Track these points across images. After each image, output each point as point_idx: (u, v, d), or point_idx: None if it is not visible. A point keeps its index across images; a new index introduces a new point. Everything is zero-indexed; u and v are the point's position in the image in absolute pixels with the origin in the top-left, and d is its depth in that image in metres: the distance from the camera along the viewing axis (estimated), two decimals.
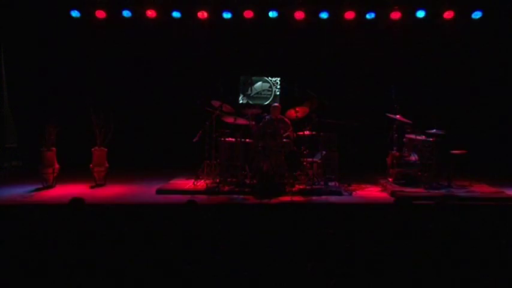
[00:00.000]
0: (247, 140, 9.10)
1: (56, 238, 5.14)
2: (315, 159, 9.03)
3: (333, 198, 8.42)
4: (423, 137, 9.05)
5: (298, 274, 4.42)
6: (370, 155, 10.21)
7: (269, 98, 11.39)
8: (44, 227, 5.64)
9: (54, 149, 9.18)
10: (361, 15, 10.80)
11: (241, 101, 11.28)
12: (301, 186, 8.78)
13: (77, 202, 5.93)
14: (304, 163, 8.98)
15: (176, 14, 10.87)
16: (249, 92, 11.33)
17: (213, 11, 10.87)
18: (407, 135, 9.30)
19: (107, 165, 9.44)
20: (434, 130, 8.98)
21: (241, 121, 9.14)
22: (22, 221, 5.76)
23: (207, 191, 8.63)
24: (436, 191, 8.63)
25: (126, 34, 11.09)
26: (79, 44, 11.06)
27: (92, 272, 4.45)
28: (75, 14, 10.81)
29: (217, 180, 8.93)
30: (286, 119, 9.49)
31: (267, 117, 9.44)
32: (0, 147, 11.24)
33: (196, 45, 11.17)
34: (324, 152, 9.14)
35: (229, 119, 9.11)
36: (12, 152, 11.39)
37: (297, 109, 9.30)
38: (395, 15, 10.77)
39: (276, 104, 9.67)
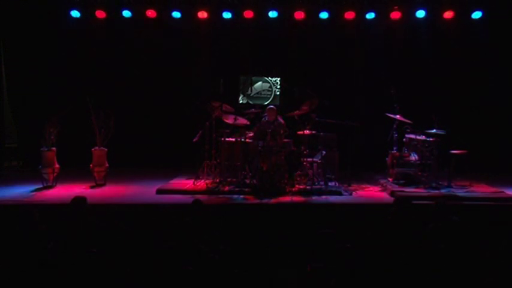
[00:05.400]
0: (247, 140, 9.10)
1: (56, 238, 5.15)
2: (315, 159, 9.03)
3: (333, 198, 8.42)
4: (423, 137, 9.05)
5: (298, 274, 4.42)
6: (370, 155, 10.21)
7: (269, 98, 11.38)
8: (44, 227, 5.65)
9: (54, 149, 9.18)
10: (361, 15, 10.80)
11: (241, 101, 11.27)
12: (301, 186, 8.77)
13: (79, 200, 5.95)
14: (304, 163, 8.98)
15: (176, 14, 10.86)
16: (249, 92, 11.32)
17: (213, 11, 10.87)
18: (407, 135, 9.31)
19: (107, 165, 9.44)
20: (434, 130, 8.98)
21: (241, 121, 9.14)
22: (22, 221, 5.75)
23: (207, 191, 8.63)
24: (436, 191, 8.63)
25: (126, 34, 11.08)
26: (79, 44, 11.05)
27: (91, 271, 4.45)
28: (75, 14, 10.81)
29: (217, 180, 8.93)
30: (282, 121, 9.42)
31: (263, 118, 9.40)
32: (0, 147, 11.24)
33: (196, 45, 11.17)
34: (324, 152, 9.13)
35: (229, 119, 9.11)
36: (12, 152, 11.39)
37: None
38: (395, 15, 10.76)
39: (271, 107, 9.56)
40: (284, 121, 9.41)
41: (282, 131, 9.04)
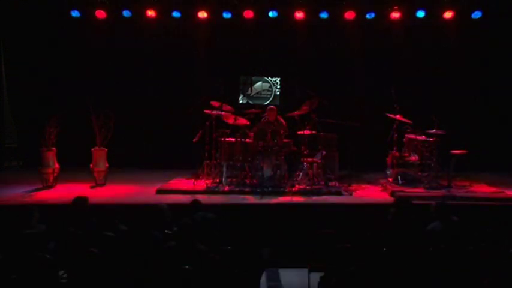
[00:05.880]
0: (247, 140, 9.10)
1: (56, 238, 5.15)
2: (315, 159, 9.03)
3: (333, 198, 8.42)
4: (423, 137, 9.05)
5: (298, 274, 4.42)
6: (370, 155, 10.20)
7: (269, 98, 11.38)
8: (44, 227, 5.65)
9: (54, 149, 9.18)
10: (361, 15, 10.79)
11: (241, 101, 11.28)
12: (301, 186, 8.78)
13: (80, 200, 5.95)
14: (304, 163, 8.98)
15: (176, 14, 10.86)
16: (249, 92, 11.33)
17: (213, 11, 10.87)
18: (407, 135, 9.30)
19: (107, 165, 9.44)
20: (434, 130, 8.98)
21: (241, 121, 9.14)
22: (22, 221, 5.76)
23: (207, 191, 8.63)
24: (436, 191, 8.63)
25: (126, 34, 11.08)
26: (79, 44, 11.05)
27: (91, 271, 4.45)
28: (75, 14, 10.81)
29: (217, 180, 8.93)
30: (282, 120, 9.44)
31: (265, 117, 9.42)
32: (0, 147, 11.24)
33: (196, 45, 11.17)
34: (324, 152, 9.13)
35: (229, 119, 9.11)
36: (12, 152, 11.39)
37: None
38: (395, 15, 10.76)
39: (272, 107, 9.60)
40: (284, 121, 9.42)
41: (282, 131, 9.05)
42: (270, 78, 11.42)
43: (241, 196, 8.43)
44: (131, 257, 4.68)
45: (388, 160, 9.46)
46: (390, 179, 9.29)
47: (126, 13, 10.82)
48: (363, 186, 9.34)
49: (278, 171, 8.65)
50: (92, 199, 6.84)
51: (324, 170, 9.09)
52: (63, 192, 8.67)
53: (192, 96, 10.22)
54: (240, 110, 9.62)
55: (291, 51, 11.13)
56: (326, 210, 7.80)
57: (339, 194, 8.64)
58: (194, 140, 9.08)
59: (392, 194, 8.54)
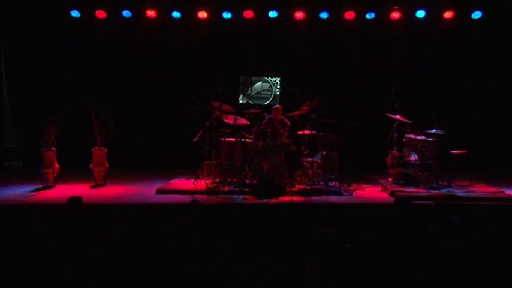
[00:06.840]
0: (247, 140, 9.10)
1: (56, 238, 5.15)
2: (315, 159, 9.04)
3: (333, 198, 8.42)
4: (423, 137, 9.05)
5: (298, 274, 4.42)
6: (370, 155, 10.20)
7: (269, 98, 11.38)
8: (44, 227, 5.65)
9: (54, 149, 9.18)
10: (361, 15, 10.79)
11: (241, 101, 11.27)
12: (301, 186, 8.78)
13: (74, 201, 5.95)
14: (304, 163, 8.98)
15: (176, 14, 10.87)
16: (249, 92, 11.32)
17: (213, 11, 10.87)
18: (407, 135, 9.30)
19: (107, 165, 9.45)
20: (434, 130, 8.99)
21: (241, 121, 9.15)
22: (22, 221, 5.75)
23: (207, 191, 8.63)
24: (436, 191, 8.63)
25: (126, 34, 11.08)
26: (79, 44, 11.06)
27: (91, 272, 4.45)
28: (75, 14, 10.81)
29: (217, 180, 8.93)
30: (286, 120, 9.48)
31: (267, 117, 9.45)
32: (0, 147, 11.24)
33: (196, 45, 11.17)
34: (324, 152, 9.13)
35: (229, 119, 9.12)
36: (12, 152, 11.39)
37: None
38: (395, 15, 10.76)
39: (277, 106, 9.66)
40: (288, 121, 9.44)
41: (282, 131, 9.06)
42: (270, 78, 11.42)
43: (241, 196, 8.44)
44: (131, 257, 4.68)
45: (388, 160, 9.46)
46: (390, 179, 9.29)
47: (126, 13, 10.82)
48: (363, 186, 9.35)
49: (278, 171, 8.66)
50: (91, 199, 6.86)
51: (324, 170, 9.09)
52: (63, 192, 8.67)
53: (192, 97, 10.23)
54: (240, 110, 9.63)
55: (291, 51, 11.13)
56: (326, 210, 7.80)
57: (339, 194, 8.65)
58: (194, 140, 9.08)
59: (392, 194, 8.55)
